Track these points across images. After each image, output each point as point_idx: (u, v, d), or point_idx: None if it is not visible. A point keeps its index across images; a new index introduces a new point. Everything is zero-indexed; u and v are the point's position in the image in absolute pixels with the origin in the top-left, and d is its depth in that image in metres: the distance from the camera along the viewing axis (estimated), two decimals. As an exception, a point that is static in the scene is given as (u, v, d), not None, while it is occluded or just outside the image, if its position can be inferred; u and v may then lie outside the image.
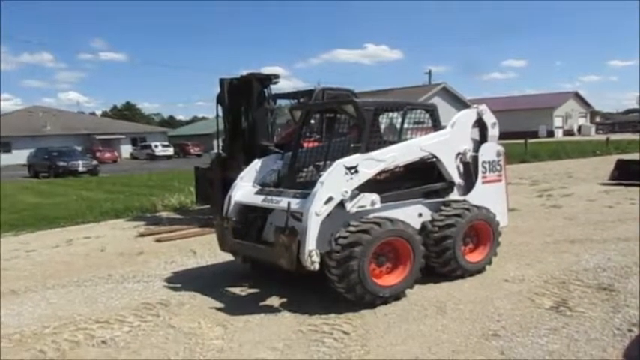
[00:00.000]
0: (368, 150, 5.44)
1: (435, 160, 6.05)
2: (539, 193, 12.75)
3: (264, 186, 6.15)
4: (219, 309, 5.18)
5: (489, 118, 6.57)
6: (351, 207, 5.17)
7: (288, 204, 5.23)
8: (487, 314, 4.80)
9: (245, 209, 6.02)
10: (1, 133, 46.82)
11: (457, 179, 6.21)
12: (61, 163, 29.46)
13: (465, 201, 6.16)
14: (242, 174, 6.34)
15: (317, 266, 4.92)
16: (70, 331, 4.73)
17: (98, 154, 42.07)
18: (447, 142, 6.13)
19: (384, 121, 6.54)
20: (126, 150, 53.41)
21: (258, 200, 5.83)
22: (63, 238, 9.39)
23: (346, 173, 5.17)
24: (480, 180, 6.37)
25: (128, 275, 6.60)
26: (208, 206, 10.78)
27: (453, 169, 6.17)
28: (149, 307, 5.35)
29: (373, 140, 5.70)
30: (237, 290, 5.84)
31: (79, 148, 39.28)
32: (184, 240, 8.69)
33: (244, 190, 6.14)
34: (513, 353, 3.97)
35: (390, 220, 5.22)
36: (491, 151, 6.51)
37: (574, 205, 10.78)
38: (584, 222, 8.88)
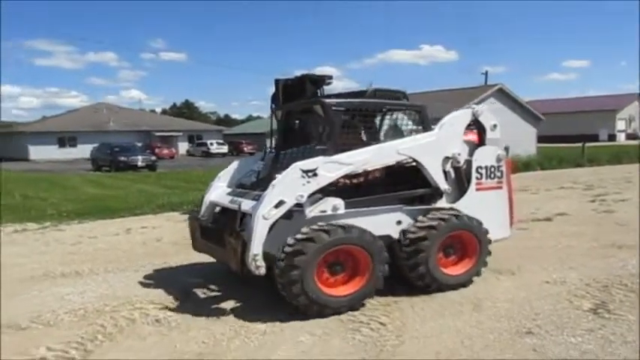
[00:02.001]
0: (338, 152, 5.19)
1: (415, 164, 5.70)
2: (592, 198, 12.45)
3: (240, 187, 6.01)
4: (264, 296, 5.45)
5: (488, 120, 6.04)
6: (309, 211, 4.99)
7: (239, 205, 5.15)
8: (523, 313, 4.86)
9: (218, 209, 5.95)
10: (69, 128, 49.38)
11: (443, 185, 5.74)
12: (122, 158, 30.85)
13: (451, 209, 5.69)
14: (220, 174, 6.26)
15: (263, 271, 4.74)
16: (128, 310, 5.14)
17: (157, 150, 43.56)
18: (432, 145, 5.69)
19: (385, 122, 6.27)
20: (183, 147, 54.99)
21: (226, 201, 5.72)
22: (122, 227, 9.99)
23: (302, 176, 4.94)
24: (473, 186, 5.90)
25: (181, 263, 7.02)
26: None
27: (438, 174, 5.73)
28: (199, 291, 5.72)
29: (349, 142, 5.45)
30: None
31: (139, 144, 40.83)
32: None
33: (219, 190, 6.08)
34: (545, 351, 4.05)
35: (343, 227, 4.88)
36: (489, 155, 5.99)
37: (628, 210, 10.49)
38: (637, 228, 8.66)
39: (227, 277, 6.17)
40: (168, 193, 15.25)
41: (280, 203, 4.81)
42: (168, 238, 8.83)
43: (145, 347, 4.26)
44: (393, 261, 5.27)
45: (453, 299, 5.30)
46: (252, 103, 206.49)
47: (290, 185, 4.89)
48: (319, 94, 10.44)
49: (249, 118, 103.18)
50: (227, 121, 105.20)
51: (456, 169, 5.88)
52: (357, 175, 5.66)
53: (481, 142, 6.04)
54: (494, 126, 6.07)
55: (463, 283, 5.64)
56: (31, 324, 4.83)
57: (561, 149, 29.49)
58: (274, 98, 10.60)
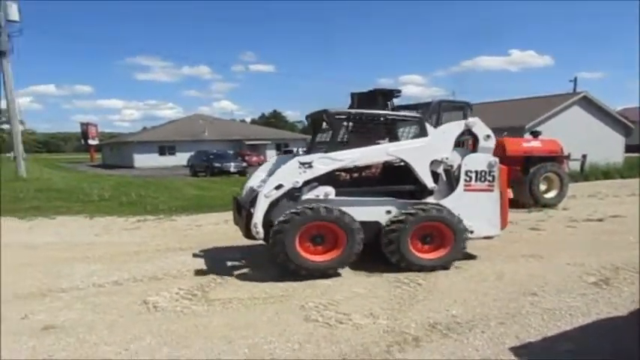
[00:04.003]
0: (335, 150, 6.45)
1: (404, 164, 6.69)
2: (655, 204, 12.93)
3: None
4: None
5: (481, 131, 6.92)
6: (305, 195, 6.36)
7: (251, 187, 6.86)
8: (536, 283, 6.09)
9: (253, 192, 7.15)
10: (169, 137, 53.78)
11: (430, 183, 6.68)
12: (217, 164, 33.65)
13: (437, 204, 6.60)
14: (262, 166, 7.55)
15: (261, 235, 6.21)
16: (231, 268, 6.91)
17: (247, 157, 46.46)
18: (421, 149, 6.64)
19: (412, 130, 7.39)
20: (270, 154, 57.85)
21: (256, 185, 7.09)
22: (221, 219, 11.97)
23: (299, 167, 6.27)
24: (461, 187, 6.77)
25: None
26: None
27: (425, 174, 6.66)
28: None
29: (356, 143, 6.70)
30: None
31: (231, 152, 43.87)
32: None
33: (257, 178, 7.30)
34: (540, 304, 5.31)
35: (325, 208, 6.13)
36: (479, 161, 6.82)
37: (682, 214, 11.02)
38: (680, 228, 9.33)
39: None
40: (258, 194, 17.21)
41: (279, 186, 6.27)
42: (258, 227, 10.63)
43: (244, 289, 5.96)
44: (379, 241, 6.51)
45: (482, 272, 6.61)
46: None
47: (289, 173, 6.31)
48: (389, 106, 11.88)
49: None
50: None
51: (447, 171, 6.88)
52: (357, 170, 6.93)
53: (474, 149, 6.99)
54: (488, 136, 6.96)
55: (434, 266, 6.54)
56: (164, 276, 6.71)
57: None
58: (350, 109, 12.16)
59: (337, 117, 6.84)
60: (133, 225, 11.51)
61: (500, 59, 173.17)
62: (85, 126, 70.28)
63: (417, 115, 7.39)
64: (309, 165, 6.33)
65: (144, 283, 6.38)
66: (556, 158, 14.08)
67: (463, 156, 6.90)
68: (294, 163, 6.36)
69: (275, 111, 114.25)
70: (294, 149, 55.04)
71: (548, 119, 29.76)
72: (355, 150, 6.58)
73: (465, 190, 6.80)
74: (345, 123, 6.92)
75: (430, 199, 6.76)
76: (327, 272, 6.30)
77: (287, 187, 6.29)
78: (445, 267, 6.61)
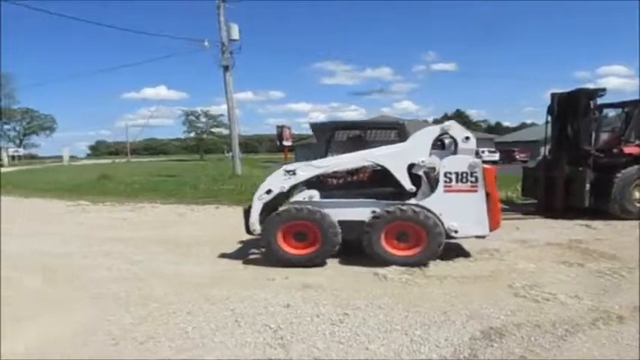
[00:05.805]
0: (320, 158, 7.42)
1: (381, 168, 7.18)
2: None
3: None
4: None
5: (459, 133, 6.96)
6: (292, 198, 7.23)
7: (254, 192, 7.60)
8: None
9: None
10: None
11: (408, 185, 7.02)
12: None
13: (417, 205, 6.86)
14: None
15: (257, 232, 7.23)
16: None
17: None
18: (397, 154, 7.07)
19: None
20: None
21: None
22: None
23: (284, 174, 7.20)
24: (440, 188, 6.88)
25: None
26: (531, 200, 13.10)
27: (403, 177, 7.02)
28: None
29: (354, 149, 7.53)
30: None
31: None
32: (510, 221, 11.23)
33: None
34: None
35: (297, 209, 6.98)
36: (459, 163, 6.84)
37: None
38: None
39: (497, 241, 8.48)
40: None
41: (269, 191, 7.27)
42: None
43: (455, 270, 6.87)
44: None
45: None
46: (525, 110, 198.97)
47: (276, 180, 7.31)
48: (592, 105, 11.69)
49: (523, 126, 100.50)
50: (498, 129, 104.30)
51: (427, 173, 7.22)
52: (347, 175, 7.79)
53: (455, 152, 7.04)
54: (467, 138, 6.95)
55: (407, 263, 6.80)
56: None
57: None
58: (550, 110, 12.25)
59: (321, 128, 8.20)
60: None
61: None
62: (280, 128, 76.13)
63: (398, 122, 8.34)
64: (293, 172, 7.27)
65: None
66: None
67: (442, 158, 7.03)
68: (280, 171, 7.35)
69: (458, 110, 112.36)
70: (479, 149, 54.05)
71: None
72: (334, 157, 7.48)
73: (446, 191, 6.91)
74: (329, 133, 8.21)
75: (412, 200, 7.07)
76: (305, 265, 7.02)
77: (275, 191, 7.27)
78: (419, 264, 6.82)
